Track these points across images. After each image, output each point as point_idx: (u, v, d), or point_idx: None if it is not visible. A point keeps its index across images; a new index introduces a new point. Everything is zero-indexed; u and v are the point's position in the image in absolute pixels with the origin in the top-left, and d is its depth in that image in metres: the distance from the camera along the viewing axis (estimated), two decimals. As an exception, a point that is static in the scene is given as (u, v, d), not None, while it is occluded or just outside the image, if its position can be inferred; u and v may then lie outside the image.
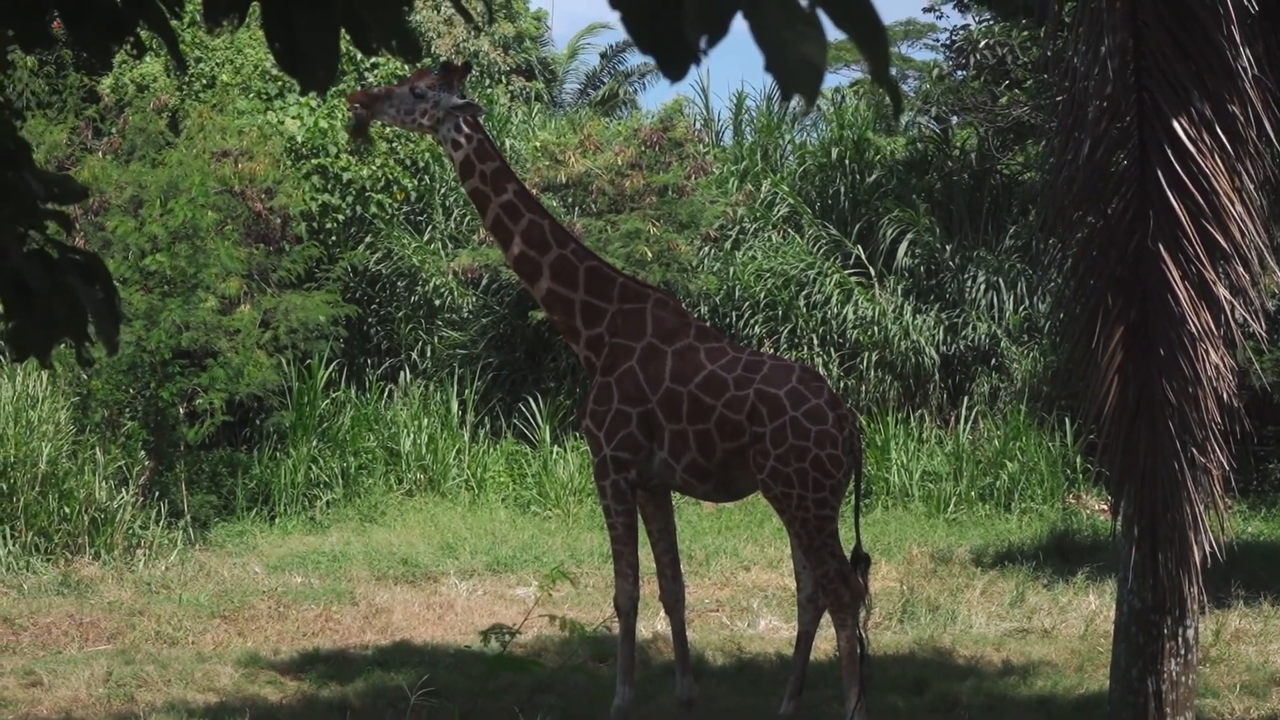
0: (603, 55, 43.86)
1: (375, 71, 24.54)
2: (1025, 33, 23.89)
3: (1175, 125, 9.57)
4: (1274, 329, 21.42)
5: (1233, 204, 9.59)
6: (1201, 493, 9.87)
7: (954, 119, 28.72)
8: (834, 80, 45.30)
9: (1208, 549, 9.88)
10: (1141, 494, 9.89)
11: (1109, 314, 9.91)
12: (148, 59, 22.72)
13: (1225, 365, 9.80)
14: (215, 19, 3.95)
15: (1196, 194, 9.58)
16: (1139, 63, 9.72)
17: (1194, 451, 9.77)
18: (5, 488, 17.59)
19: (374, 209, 24.38)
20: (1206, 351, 9.67)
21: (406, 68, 22.33)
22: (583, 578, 17.57)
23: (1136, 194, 9.83)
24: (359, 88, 24.49)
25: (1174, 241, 9.64)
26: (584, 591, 17.20)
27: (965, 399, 25.16)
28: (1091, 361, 9.99)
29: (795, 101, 31.91)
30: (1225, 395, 9.83)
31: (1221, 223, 9.63)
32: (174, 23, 4.19)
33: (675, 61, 3.20)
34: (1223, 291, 9.73)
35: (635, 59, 44.03)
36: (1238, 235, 9.65)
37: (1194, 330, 9.61)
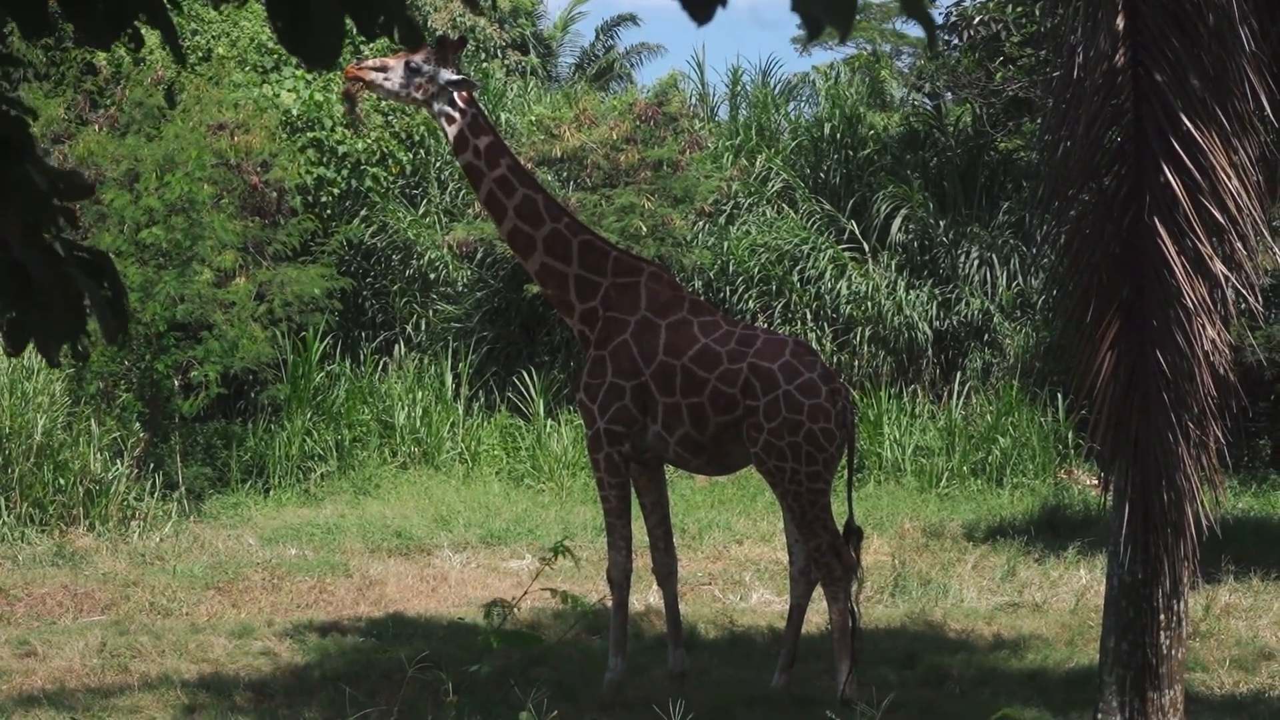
0: (598, 32, 43.80)
1: (371, 45, 24.51)
2: (1019, 9, 23.89)
3: (1171, 100, 9.61)
4: (1268, 305, 21.47)
5: (1229, 179, 9.62)
6: (1196, 466, 9.93)
7: (948, 95, 28.71)
8: (829, 56, 45.28)
9: (1203, 522, 9.94)
10: (1135, 467, 9.94)
11: (1104, 289, 9.95)
12: (144, 30, 22.64)
13: (1221, 339, 9.85)
14: None
15: (1193, 169, 9.61)
16: (1135, 38, 9.75)
17: (1189, 425, 9.82)
18: (0, 459, 17.63)
19: (369, 182, 24.39)
20: (1202, 326, 9.71)
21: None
22: (576, 551, 17.60)
23: (1132, 169, 9.86)
24: (355, 59, 24.47)
25: (1169, 216, 9.67)
26: (579, 565, 17.26)
27: (958, 374, 25.20)
28: (1086, 336, 10.03)
29: (791, 76, 31.94)
30: (1222, 369, 9.87)
31: (1218, 198, 9.66)
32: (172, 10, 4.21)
33: (702, 3, 3.23)
34: (1219, 266, 9.77)
35: (630, 36, 43.95)
36: (1234, 210, 9.69)
37: (1189, 304, 9.65)
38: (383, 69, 12.57)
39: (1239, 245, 9.85)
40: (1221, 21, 9.59)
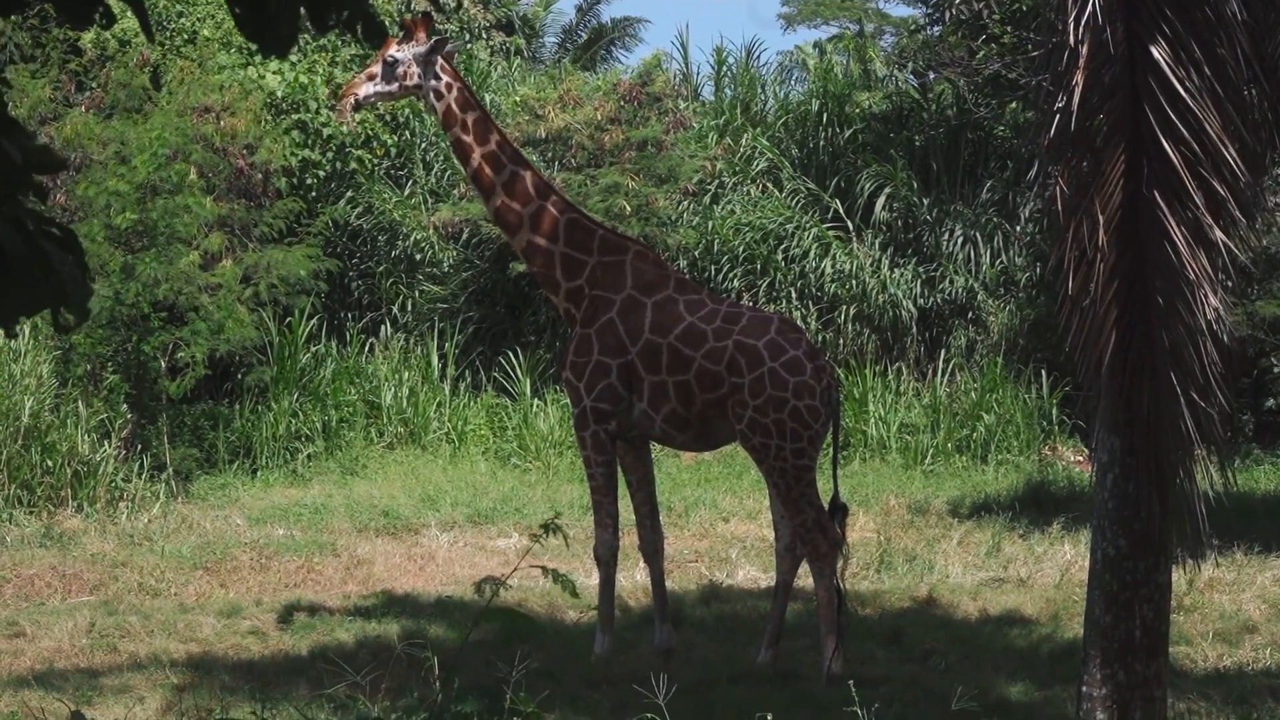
0: (578, 8, 43.66)
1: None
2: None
3: (1167, 71, 9.61)
4: (1249, 281, 21.55)
5: (1227, 150, 9.64)
6: (1204, 436, 10.00)
7: (931, 74, 28.72)
8: (814, 34, 45.30)
9: (1210, 492, 10.03)
10: (1140, 440, 9.98)
11: (1106, 263, 9.95)
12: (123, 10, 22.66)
13: (1223, 309, 9.88)
14: None
15: (1191, 141, 9.62)
16: (1129, 8, 9.74)
17: (1195, 395, 9.86)
18: (-12, 441, 17.69)
19: (354, 164, 24.42)
20: (1205, 296, 9.74)
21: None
22: (564, 528, 17.63)
23: (1130, 142, 9.86)
24: (331, 55, 24.52)
25: (1168, 188, 9.68)
26: (569, 543, 17.29)
27: (942, 352, 25.25)
28: (1090, 311, 10.00)
29: (780, 55, 31.89)
30: (1225, 339, 9.91)
31: (1217, 169, 9.68)
32: None
33: None
34: (1219, 236, 9.80)
35: (613, 11, 43.79)
36: (1231, 180, 9.71)
37: (1191, 276, 9.67)
38: (370, 78, 12.78)
39: (1239, 215, 9.88)
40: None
